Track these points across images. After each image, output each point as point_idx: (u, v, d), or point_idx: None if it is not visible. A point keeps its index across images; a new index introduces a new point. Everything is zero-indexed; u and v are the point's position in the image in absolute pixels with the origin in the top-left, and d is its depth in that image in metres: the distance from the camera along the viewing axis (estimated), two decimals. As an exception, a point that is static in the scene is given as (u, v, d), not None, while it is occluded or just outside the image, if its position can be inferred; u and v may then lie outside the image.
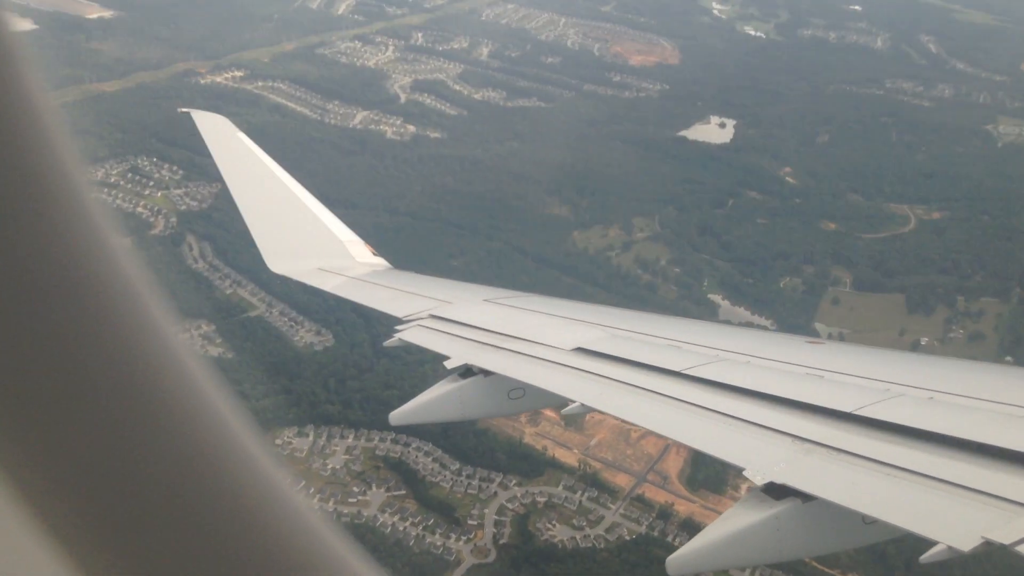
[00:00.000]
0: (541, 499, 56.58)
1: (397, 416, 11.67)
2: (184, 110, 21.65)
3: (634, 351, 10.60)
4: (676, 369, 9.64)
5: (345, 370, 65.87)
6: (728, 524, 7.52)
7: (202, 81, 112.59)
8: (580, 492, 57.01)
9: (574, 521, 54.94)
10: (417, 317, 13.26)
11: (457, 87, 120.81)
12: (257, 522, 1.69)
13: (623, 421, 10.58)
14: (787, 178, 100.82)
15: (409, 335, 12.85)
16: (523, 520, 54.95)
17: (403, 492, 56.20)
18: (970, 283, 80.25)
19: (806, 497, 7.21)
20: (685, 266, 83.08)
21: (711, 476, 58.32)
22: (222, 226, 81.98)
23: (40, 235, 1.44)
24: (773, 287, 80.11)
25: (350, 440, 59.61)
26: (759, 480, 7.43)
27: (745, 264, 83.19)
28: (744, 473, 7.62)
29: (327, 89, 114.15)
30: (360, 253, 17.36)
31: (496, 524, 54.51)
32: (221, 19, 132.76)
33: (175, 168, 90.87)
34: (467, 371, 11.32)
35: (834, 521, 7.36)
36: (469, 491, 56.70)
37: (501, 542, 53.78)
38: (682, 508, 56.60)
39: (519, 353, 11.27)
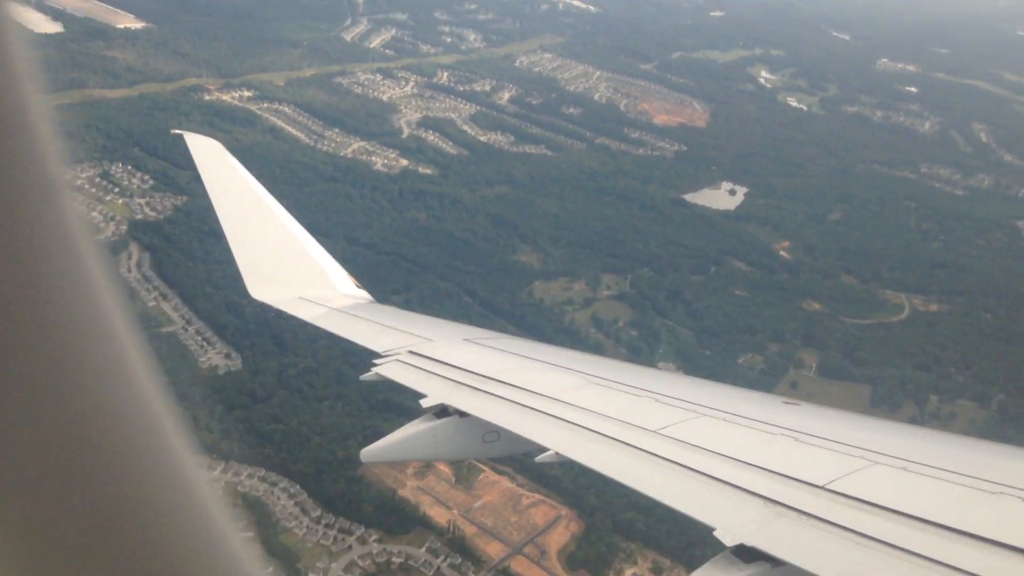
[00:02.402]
0: (397, 559, 51.77)
1: (368, 453, 10.82)
2: (177, 132, 21.02)
3: (612, 401, 10.47)
4: (652, 424, 9.46)
5: (237, 398, 62.31)
6: None
7: (207, 97, 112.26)
8: (443, 557, 51.96)
9: (425, 588, 49.97)
10: (395, 352, 12.92)
11: (465, 127, 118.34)
12: (168, 518, 1.75)
13: (596, 472, 8.82)
14: (782, 252, 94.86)
15: (386, 370, 12.34)
16: (369, 581, 50.17)
17: (250, 535, 51.71)
18: (948, 383, 73.17)
19: (775, 561, 6.97)
20: (643, 330, 77.78)
21: (595, 556, 53.05)
22: (170, 238, 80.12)
23: (9, 231, 1.45)
24: (731, 362, 74.14)
25: (215, 473, 55.49)
26: (729, 541, 7.09)
27: (708, 335, 77.54)
28: (715, 533, 7.18)
29: (331, 117, 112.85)
30: (343, 284, 17.02)
31: (338, 581, 49.81)
32: (248, 41, 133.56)
33: (146, 178, 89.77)
34: (442, 411, 10.94)
35: None
36: (323, 541, 52.18)
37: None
38: (551, 589, 51.07)
39: (496, 396, 10.99)
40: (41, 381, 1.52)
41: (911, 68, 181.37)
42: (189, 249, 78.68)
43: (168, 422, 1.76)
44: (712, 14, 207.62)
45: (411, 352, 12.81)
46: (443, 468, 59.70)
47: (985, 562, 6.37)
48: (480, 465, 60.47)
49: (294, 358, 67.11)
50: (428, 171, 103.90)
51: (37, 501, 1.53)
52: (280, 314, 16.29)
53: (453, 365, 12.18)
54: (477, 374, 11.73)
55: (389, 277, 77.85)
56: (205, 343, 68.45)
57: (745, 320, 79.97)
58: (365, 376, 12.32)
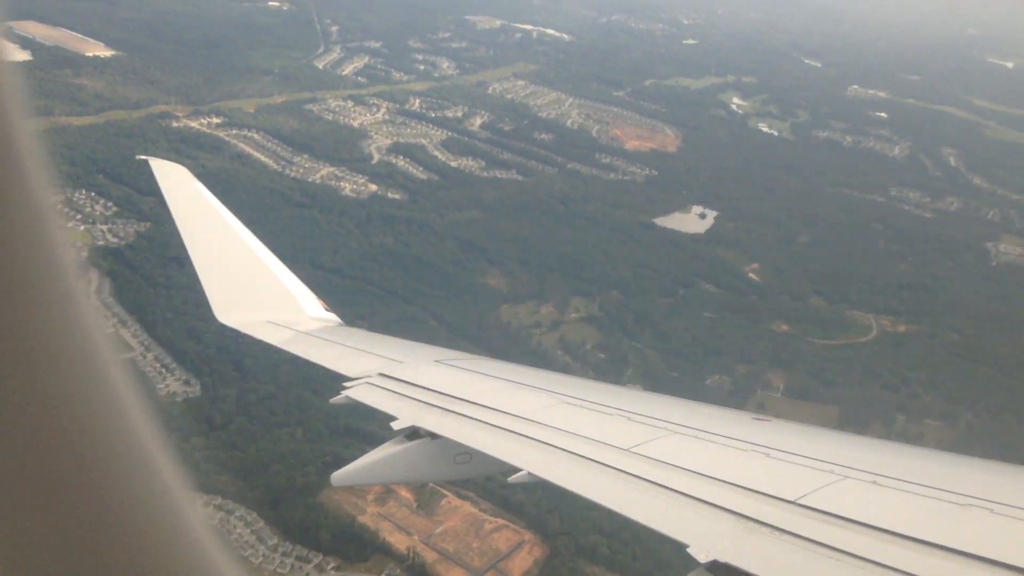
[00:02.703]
0: (354, 587, 50.55)
1: (339, 477, 10.87)
2: (142, 157, 21.75)
3: (584, 420, 10.55)
4: (625, 442, 9.62)
5: (195, 425, 61.09)
6: None
7: (174, 124, 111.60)
8: (402, 584, 50.77)
9: (382, 616, 48.85)
10: (366, 375, 12.92)
11: (436, 153, 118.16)
12: (144, 519, 1.77)
13: (568, 491, 9.07)
14: (751, 274, 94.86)
15: (356, 393, 12.31)
16: (326, 608, 49.02)
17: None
18: (916, 402, 72.98)
19: None
20: (611, 352, 77.29)
21: (557, 582, 51.79)
22: (131, 265, 79.19)
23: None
24: (699, 384, 73.57)
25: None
26: (703, 558, 7.20)
27: (676, 357, 77.09)
28: (688, 550, 7.31)
29: (299, 143, 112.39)
30: (312, 307, 17.06)
31: (294, 610, 48.64)
32: (219, 69, 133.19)
33: (109, 204, 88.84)
34: (414, 433, 11.01)
35: None
36: (279, 569, 51.09)
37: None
38: (512, 615, 50.05)
39: (467, 417, 11.05)
40: (25, 405, 1.50)
41: (881, 94, 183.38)
42: (151, 275, 77.70)
43: (152, 441, 1.80)
44: (685, 42, 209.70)
45: (381, 375, 12.79)
46: (404, 494, 58.70)
47: (956, 574, 6.49)
48: (442, 490, 59.52)
49: (255, 384, 66.04)
50: (397, 196, 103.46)
51: (24, 520, 1.51)
52: (241, 340, 15.99)
53: (424, 387, 12.19)
54: (448, 395, 11.74)
55: (354, 301, 76.90)
56: (164, 370, 67.36)
57: (713, 342, 79.64)
58: (335, 399, 12.35)
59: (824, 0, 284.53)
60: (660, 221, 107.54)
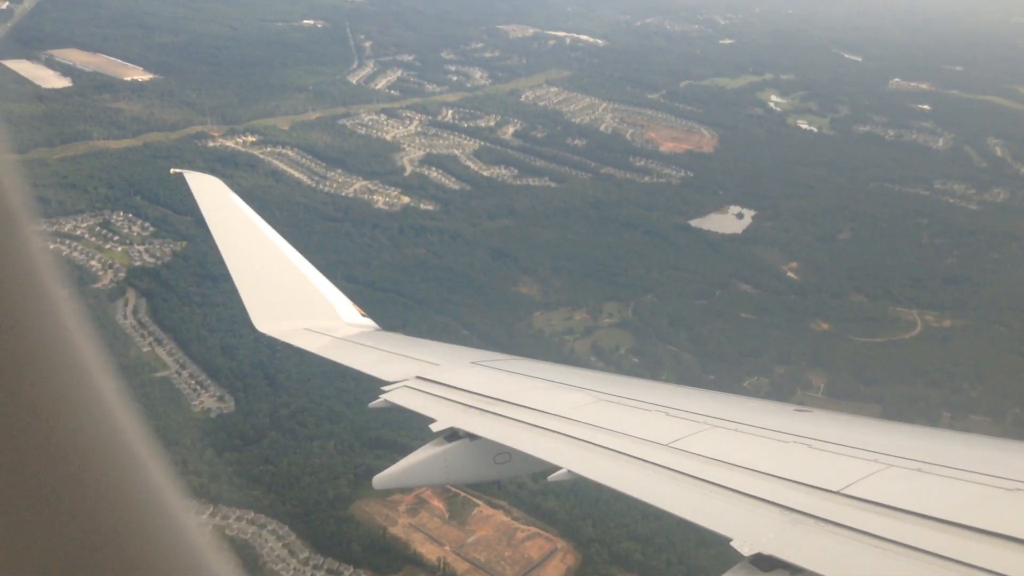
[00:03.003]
0: (385, 598, 50.24)
1: (381, 480, 11.09)
2: (176, 171, 21.61)
3: (622, 417, 10.59)
4: (664, 438, 9.58)
5: (229, 441, 61.51)
6: None
7: (210, 144, 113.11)
8: (432, 594, 50.40)
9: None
10: (403, 379, 13.06)
11: (468, 163, 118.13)
12: (138, 526, 1.74)
13: (609, 489, 9.10)
14: (789, 273, 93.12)
15: (395, 396, 12.49)
16: (357, 620, 48.86)
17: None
18: (961, 398, 70.89)
19: (794, 569, 6.98)
20: (645, 356, 76.28)
21: (591, 590, 51.02)
22: (167, 284, 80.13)
23: None
24: (736, 385, 72.06)
25: (204, 517, 54.52)
26: (747, 551, 7.16)
27: (712, 359, 75.87)
28: (732, 544, 7.24)
29: (333, 158, 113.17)
30: (348, 314, 17.22)
31: (326, 622, 48.52)
32: (254, 88, 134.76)
33: (146, 225, 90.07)
34: (453, 434, 11.08)
35: None
36: (310, 582, 50.83)
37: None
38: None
39: (506, 417, 11.13)
40: (17, 427, 1.50)
41: (924, 86, 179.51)
42: (186, 294, 78.62)
43: (150, 460, 1.74)
44: (722, 42, 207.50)
45: (419, 377, 12.91)
46: (437, 503, 58.34)
47: (1005, 559, 6.38)
48: (475, 499, 59.09)
49: (287, 398, 66.23)
50: (429, 207, 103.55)
51: (20, 540, 1.50)
52: (275, 353, 16.10)
53: (461, 388, 12.25)
54: (486, 396, 11.79)
55: (386, 313, 76.55)
56: (199, 386, 67.88)
57: (750, 343, 78.22)
58: (374, 403, 12.50)
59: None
60: (696, 223, 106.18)
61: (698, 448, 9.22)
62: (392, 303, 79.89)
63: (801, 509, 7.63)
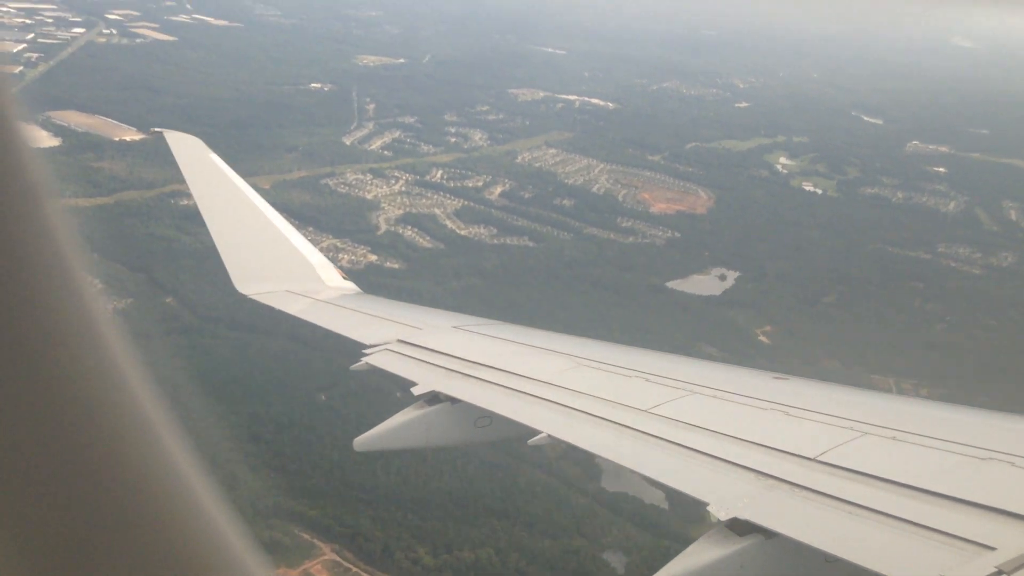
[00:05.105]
0: None
1: (361, 442, 10.86)
2: (156, 130, 21.62)
3: (602, 382, 10.63)
4: (643, 403, 9.59)
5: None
6: (693, 559, 7.26)
7: (183, 202, 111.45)
8: None
9: None
10: (385, 342, 12.99)
11: (447, 222, 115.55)
12: (163, 515, 1.74)
13: (588, 452, 8.95)
14: (761, 336, 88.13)
15: (376, 359, 12.48)
16: None
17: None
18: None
19: (769, 533, 7.09)
20: (587, 423, 71.54)
21: None
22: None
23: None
24: (678, 457, 67.21)
25: None
26: (723, 515, 7.32)
27: (659, 427, 70.79)
28: (708, 508, 7.38)
29: (306, 216, 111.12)
30: (330, 277, 17.08)
31: None
32: (243, 148, 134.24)
33: (95, 283, 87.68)
34: (434, 398, 10.99)
35: (796, 558, 7.20)
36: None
37: None
38: None
39: (487, 381, 11.10)
40: (28, 389, 1.48)
41: (943, 149, 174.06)
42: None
43: (160, 422, 1.73)
44: (737, 105, 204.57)
45: (401, 341, 12.93)
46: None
47: (976, 527, 6.60)
48: None
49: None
50: (396, 265, 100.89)
51: (34, 506, 1.50)
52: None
53: (443, 352, 12.26)
54: (467, 360, 11.82)
55: (312, 374, 73.91)
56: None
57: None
58: (355, 366, 12.57)
59: (891, 55, 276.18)
60: (674, 284, 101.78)
61: (677, 414, 9.27)
62: (328, 362, 76.55)
63: (777, 475, 7.68)
